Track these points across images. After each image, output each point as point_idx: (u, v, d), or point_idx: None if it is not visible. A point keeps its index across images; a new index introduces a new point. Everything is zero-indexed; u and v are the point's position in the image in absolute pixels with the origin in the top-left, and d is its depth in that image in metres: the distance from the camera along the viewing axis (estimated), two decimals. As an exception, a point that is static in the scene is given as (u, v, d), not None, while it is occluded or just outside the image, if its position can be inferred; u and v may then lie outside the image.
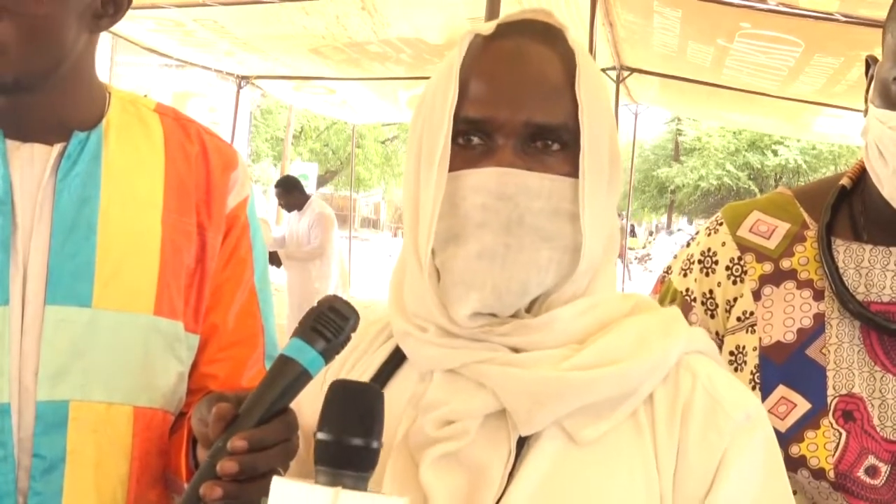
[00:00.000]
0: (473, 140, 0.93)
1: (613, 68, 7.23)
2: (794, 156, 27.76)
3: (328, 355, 0.85)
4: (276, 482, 0.73)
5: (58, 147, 1.16)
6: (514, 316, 0.93)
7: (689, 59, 6.35)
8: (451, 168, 0.92)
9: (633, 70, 7.36)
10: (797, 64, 5.68)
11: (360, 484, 0.75)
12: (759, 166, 28.81)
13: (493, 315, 0.93)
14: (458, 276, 0.92)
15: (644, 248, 31.29)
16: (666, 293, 1.45)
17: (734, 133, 28.74)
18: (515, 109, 0.91)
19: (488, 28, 0.97)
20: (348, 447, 0.76)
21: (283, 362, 0.84)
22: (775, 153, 28.25)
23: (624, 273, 10.81)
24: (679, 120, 30.97)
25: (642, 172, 31.20)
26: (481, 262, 0.90)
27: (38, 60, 1.12)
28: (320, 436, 0.77)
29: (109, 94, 1.25)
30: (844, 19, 4.61)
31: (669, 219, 38.90)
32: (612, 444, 0.90)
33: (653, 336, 0.93)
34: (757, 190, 27.95)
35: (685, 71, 6.85)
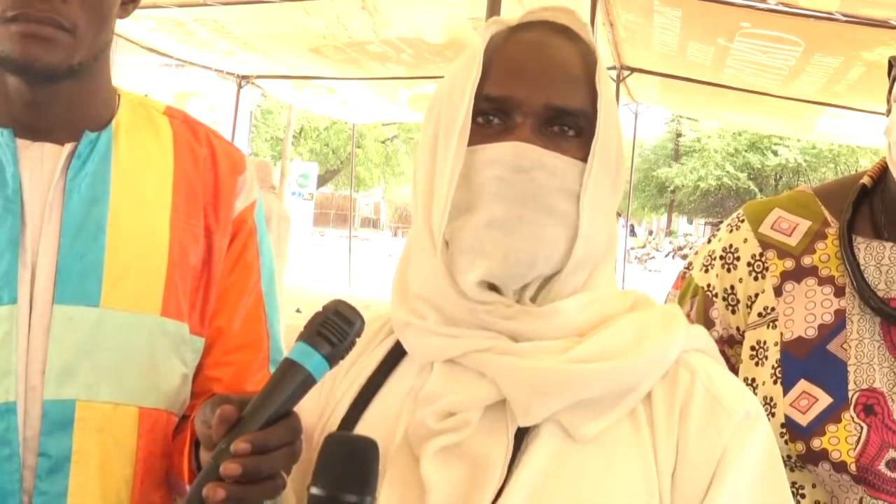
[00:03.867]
0: (493, 120, 0.95)
1: (614, 68, 7.23)
2: (795, 155, 27.78)
3: (333, 360, 0.86)
4: None
5: (68, 147, 1.16)
6: (519, 302, 0.94)
7: (689, 58, 6.36)
8: (469, 144, 0.94)
9: (633, 70, 7.37)
10: (797, 63, 5.69)
11: None
12: (760, 166, 28.82)
13: (499, 293, 0.93)
14: (466, 244, 0.93)
15: (643, 247, 31.30)
16: (687, 289, 1.46)
17: (734, 134, 28.77)
18: (536, 90, 0.93)
19: (512, 20, 1.00)
20: None
21: (288, 366, 0.84)
22: (775, 153, 28.27)
23: (624, 272, 10.81)
24: (679, 119, 30.95)
25: (642, 172, 31.20)
26: (490, 231, 0.91)
27: (97, 42, 1.14)
28: (314, 490, 0.77)
29: (119, 95, 1.26)
30: (844, 19, 4.62)
31: (669, 219, 38.91)
32: (611, 441, 0.90)
33: (652, 332, 0.93)
34: (757, 190, 27.98)
35: (685, 70, 6.86)
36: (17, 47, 1.07)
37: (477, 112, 0.95)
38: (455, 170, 0.93)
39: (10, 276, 1.10)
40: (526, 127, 0.93)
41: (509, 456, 0.90)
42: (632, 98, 8.99)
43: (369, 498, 0.78)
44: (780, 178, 28.80)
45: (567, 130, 0.94)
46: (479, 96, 0.94)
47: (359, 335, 0.87)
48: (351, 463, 0.78)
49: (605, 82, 0.97)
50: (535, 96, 0.93)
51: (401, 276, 1.01)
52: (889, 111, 1.28)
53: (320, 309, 0.87)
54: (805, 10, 4.73)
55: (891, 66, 1.31)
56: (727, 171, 29.28)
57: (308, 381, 0.85)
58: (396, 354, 1.01)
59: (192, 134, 1.28)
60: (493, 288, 0.94)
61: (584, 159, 0.94)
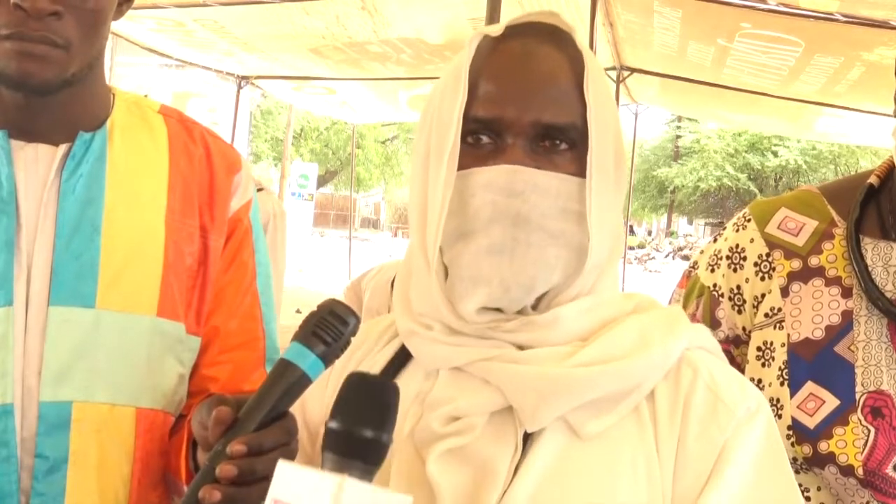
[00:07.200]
0: (483, 139, 0.94)
1: (614, 68, 7.23)
2: (795, 156, 27.81)
3: (328, 359, 0.85)
4: (281, 465, 0.73)
5: (63, 147, 1.17)
6: (520, 313, 0.94)
7: (689, 58, 6.36)
8: (460, 167, 0.93)
9: (633, 70, 7.36)
10: (797, 64, 5.68)
11: (367, 476, 0.75)
12: (759, 167, 28.85)
13: (500, 311, 0.94)
14: (465, 271, 0.92)
15: (643, 247, 31.32)
16: (693, 288, 1.46)
17: (733, 135, 28.79)
18: (524, 109, 0.92)
19: (497, 29, 0.98)
20: (358, 438, 0.76)
21: (283, 366, 0.84)
22: (775, 154, 28.29)
23: (624, 273, 10.81)
24: (679, 120, 30.97)
25: (642, 172, 31.23)
26: (490, 257, 0.91)
27: (91, 53, 1.15)
28: (331, 424, 0.77)
29: (114, 95, 1.26)
30: (844, 19, 4.61)
31: (669, 219, 38.94)
32: (615, 438, 0.91)
33: (655, 333, 0.94)
34: (757, 191, 28.00)
35: (685, 71, 6.85)
36: (13, 64, 1.08)
37: (466, 132, 0.94)
38: (446, 196, 0.92)
39: (5, 278, 1.10)
40: (517, 148, 0.92)
41: (517, 458, 0.90)
42: (632, 98, 8.98)
43: (386, 436, 0.77)
44: (780, 178, 28.82)
45: (559, 144, 0.93)
46: (468, 117, 0.93)
47: (353, 335, 0.87)
48: (370, 400, 0.78)
49: (595, 88, 0.94)
50: (524, 115, 0.92)
51: (403, 289, 1.01)
52: None
53: (315, 309, 0.87)
54: (805, 11, 4.73)
55: None
56: (727, 172, 29.30)
57: (303, 382, 0.84)
58: (402, 357, 1.01)
59: (188, 133, 1.28)
60: (493, 308, 0.94)
61: (579, 173, 0.93)
